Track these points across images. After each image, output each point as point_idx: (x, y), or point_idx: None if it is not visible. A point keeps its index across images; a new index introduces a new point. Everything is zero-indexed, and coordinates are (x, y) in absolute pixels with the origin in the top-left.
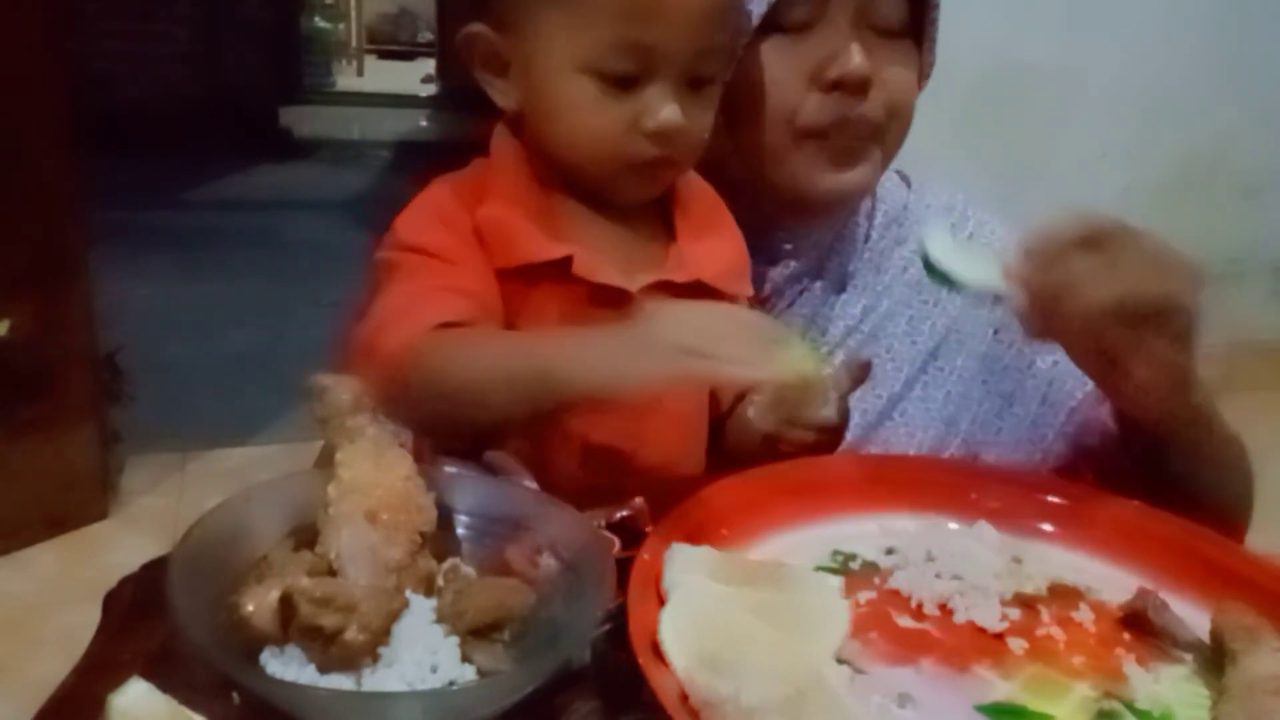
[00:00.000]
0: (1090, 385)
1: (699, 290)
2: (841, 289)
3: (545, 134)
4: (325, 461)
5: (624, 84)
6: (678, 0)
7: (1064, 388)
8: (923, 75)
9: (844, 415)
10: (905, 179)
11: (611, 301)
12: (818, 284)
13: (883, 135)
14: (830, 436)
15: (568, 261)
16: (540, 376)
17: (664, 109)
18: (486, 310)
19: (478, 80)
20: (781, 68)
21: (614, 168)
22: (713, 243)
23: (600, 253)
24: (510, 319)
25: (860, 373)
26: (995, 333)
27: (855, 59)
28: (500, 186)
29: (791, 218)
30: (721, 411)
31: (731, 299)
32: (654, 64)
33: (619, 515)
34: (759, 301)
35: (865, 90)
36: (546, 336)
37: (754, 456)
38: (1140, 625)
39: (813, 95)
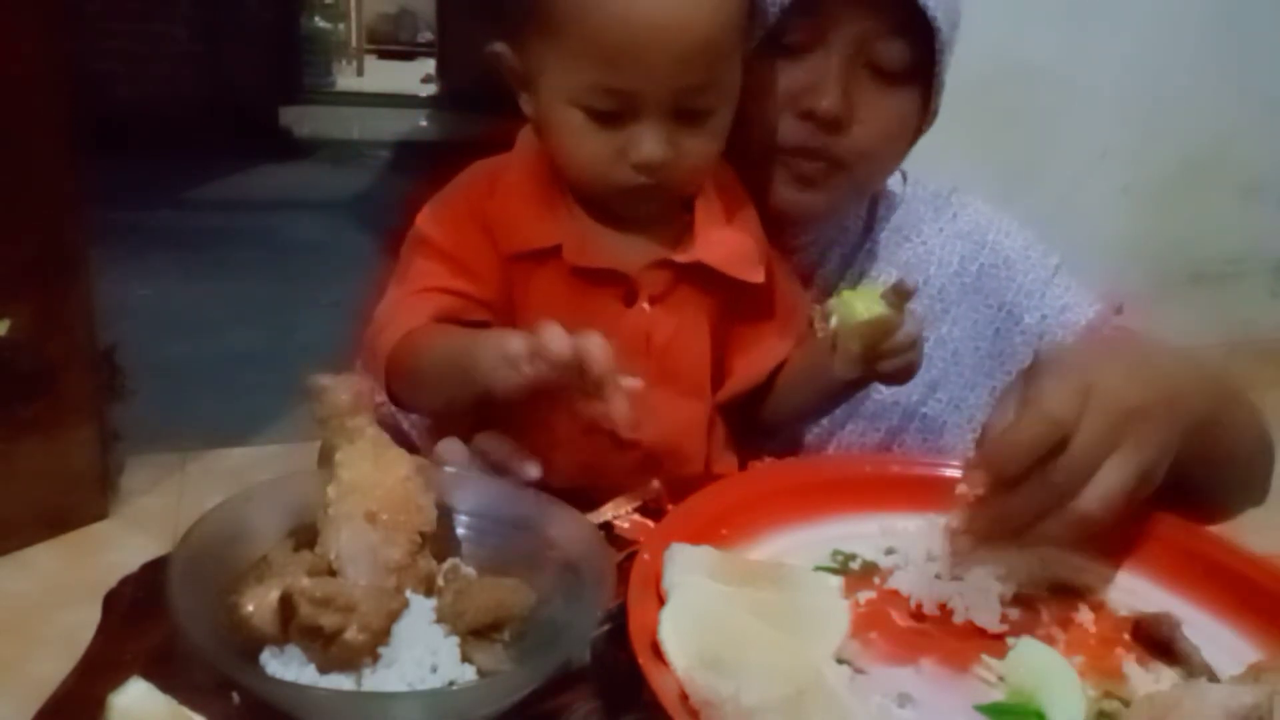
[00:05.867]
0: (1080, 330)
1: (701, 271)
2: (840, 280)
3: (550, 150)
4: (325, 461)
5: (610, 119)
6: (653, 49)
7: (1054, 338)
8: (925, 120)
9: (919, 325)
10: (903, 173)
11: (610, 281)
12: (817, 275)
13: (851, 170)
14: (913, 353)
15: (561, 248)
16: (462, 370)
17: (646, 144)
18: (472, 304)
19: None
20: (769, 88)
21: (605, 190)
22: (730, 229)
23: (600, 237)
24: (518, 301)
25: (907, 288)
26: (985, 297)
27: (826, 100)
28: (511, 180)
29: (769, 224)
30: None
31: (738, 282)
32: (636, 104)
33: (640, 502)
34: None
35: (837, 128)
36: (474, 335)
37: (825, 401)
38: (1150, 643)
39: (787, 117)
